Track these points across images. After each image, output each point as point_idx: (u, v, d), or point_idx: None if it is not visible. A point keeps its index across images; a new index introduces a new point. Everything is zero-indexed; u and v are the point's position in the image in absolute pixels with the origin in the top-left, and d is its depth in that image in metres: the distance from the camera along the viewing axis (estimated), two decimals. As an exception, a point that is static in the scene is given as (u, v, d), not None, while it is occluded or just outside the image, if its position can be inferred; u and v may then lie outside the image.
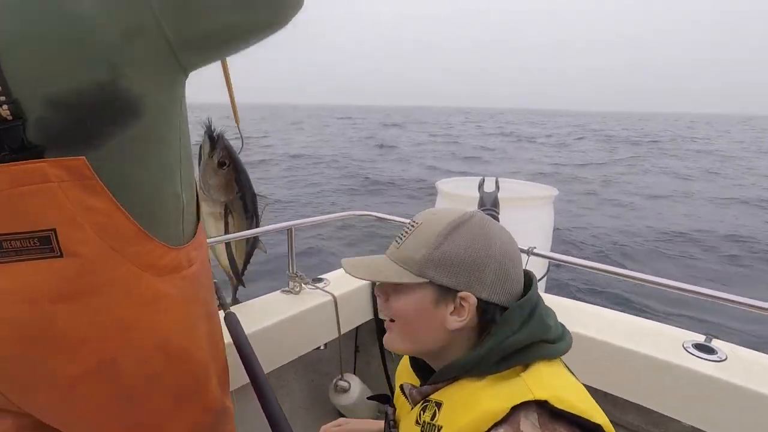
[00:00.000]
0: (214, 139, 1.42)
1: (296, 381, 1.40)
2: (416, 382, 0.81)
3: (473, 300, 0.68)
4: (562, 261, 1.68)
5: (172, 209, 0.82)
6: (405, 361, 0.90)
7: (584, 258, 1.61)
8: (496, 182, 1.79)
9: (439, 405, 0.69)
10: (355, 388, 1.84)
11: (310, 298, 1.69)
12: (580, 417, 0.59)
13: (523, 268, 0.76)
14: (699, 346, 1.33)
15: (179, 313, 0.83)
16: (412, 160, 17.28)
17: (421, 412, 0.72)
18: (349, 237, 6.69)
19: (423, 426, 0.70)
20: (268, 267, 3.36)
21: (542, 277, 2.84)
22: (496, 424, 0.60)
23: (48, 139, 0.66)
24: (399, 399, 0.85)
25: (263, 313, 1.54)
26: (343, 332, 1.75)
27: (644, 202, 10.34)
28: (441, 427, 0.67)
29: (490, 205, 1.71)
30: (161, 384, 0.82)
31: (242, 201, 1.52)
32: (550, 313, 0.74)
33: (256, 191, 1.55)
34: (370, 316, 1.90)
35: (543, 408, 0.60)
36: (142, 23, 0.68)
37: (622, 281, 1.77)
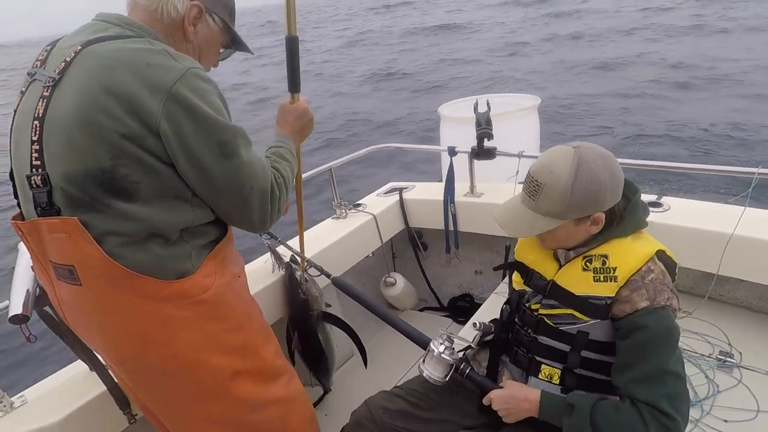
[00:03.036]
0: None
1: (354, 284, 1.87)
2: (541, 253, 1.16)
3: (602, 214, 1.01)
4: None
5: (175, 253, 0.98)
6: (523, 242, 1.24)
7: None
8: (487, 103, 2.16)
9: (605, 256, 1.03)
10: (399, 282, 2.39)
11: (356, 220, 2.18)
12: (671, 258, 1.04)
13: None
14: (652, 203, 1.82)
15: (192, 330, 1.02)
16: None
17: (586, 263, 1.05)
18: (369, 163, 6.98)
19: (596, 271, 1.03)
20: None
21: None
22: (649, 260, 1.00)
23: (64, 203, 0.90)
24: (544, 264, 1.15)
25: (324, 236, 2.03)
26: (384, 242, 2.25)
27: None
28: (616, 268, 1.01)
29: (484, 124, 2.10)
30: (176, 381, 1.05)
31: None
32: None
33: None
34: (402, 227, 2.40)
35: (659, 253, 1.03)
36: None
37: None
